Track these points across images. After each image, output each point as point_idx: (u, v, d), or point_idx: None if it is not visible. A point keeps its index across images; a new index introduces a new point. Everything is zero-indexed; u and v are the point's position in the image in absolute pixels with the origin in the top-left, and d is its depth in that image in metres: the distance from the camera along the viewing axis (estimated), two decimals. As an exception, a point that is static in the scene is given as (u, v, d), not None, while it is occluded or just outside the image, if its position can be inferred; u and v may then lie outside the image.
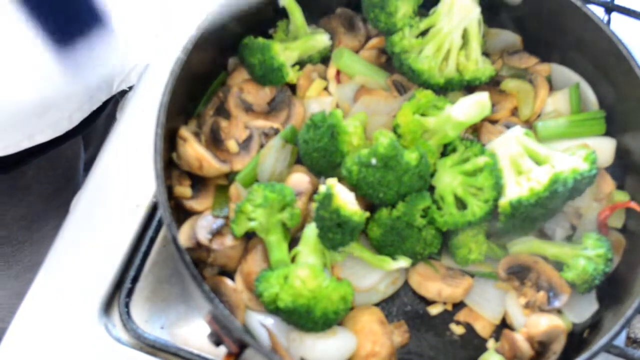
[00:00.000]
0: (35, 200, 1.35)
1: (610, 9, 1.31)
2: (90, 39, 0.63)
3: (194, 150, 1.05)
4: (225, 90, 1.16)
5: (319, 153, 1.05)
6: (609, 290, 1.07)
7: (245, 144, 1.11)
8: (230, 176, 1.11)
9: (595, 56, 1.14)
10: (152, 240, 1.12)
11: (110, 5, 0.63)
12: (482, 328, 1.10)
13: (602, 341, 0.96)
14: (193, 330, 1.09)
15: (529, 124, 1.17)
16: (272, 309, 0.98)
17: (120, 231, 1.13)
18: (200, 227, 1.03)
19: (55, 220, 1.34)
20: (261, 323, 1.01)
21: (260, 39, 1.14)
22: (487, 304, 1.10)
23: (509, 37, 1.22)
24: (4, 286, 1.39)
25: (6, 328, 1.07)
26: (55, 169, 1.32)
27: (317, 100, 1.16)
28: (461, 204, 1.05)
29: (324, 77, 1.19)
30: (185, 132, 1.06)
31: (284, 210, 1.02)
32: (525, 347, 1.02)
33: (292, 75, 1.15)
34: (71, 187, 1.38)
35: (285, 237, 1.03)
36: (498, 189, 1.03)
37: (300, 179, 1.06)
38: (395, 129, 1.09)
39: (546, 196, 1.01)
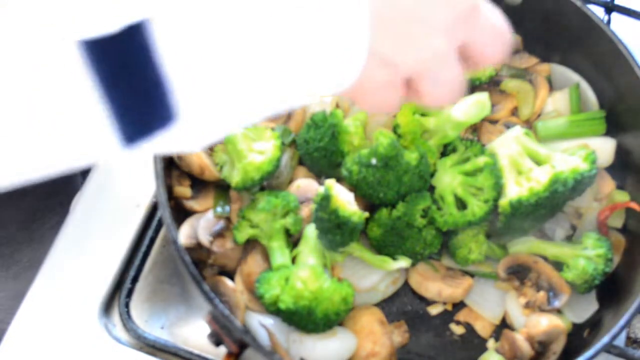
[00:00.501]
0: (34, 201, 1.35)
1: (610, 9, 1.31)
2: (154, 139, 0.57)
3: (199, 159, 1.04)
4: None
5: (320, 153, 1.05)
6: (609, 290, 1.07)
7: (245, 144, 1.10)
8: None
9: (595, 56, 1.14)
10: (152, 240, 1.11)
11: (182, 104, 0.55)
12: (482, 328, 1.10)
13: (602, 341, 0.96)
14: (193, 330, 1.09)
15: (529, 124, 1.17)
16: (273, 310, 0.97)
17: (120, 231, 1.13)
18: (201, 228, 1.02)
19: (53, 220, 1.33)
20: (261, 323, 1.01)
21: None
22: (487, 304, 1.09)
23: (509, 37, 1.22)
24: (3, 287, 1.38)
25: (6, 329, 1.07)
26: None
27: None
28: (461, 204, 1.05)
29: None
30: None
31: (287, 216, 1.02)
32: (525, 347, 1.01)
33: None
34: (69, 187, 1.37)
35: (287, 244, 1.03)
36: (498, 189, 1.03)
37: (308, 185, 1.05)
38: (395, 129, 1.09)
39: (546, 196, 1.01)
